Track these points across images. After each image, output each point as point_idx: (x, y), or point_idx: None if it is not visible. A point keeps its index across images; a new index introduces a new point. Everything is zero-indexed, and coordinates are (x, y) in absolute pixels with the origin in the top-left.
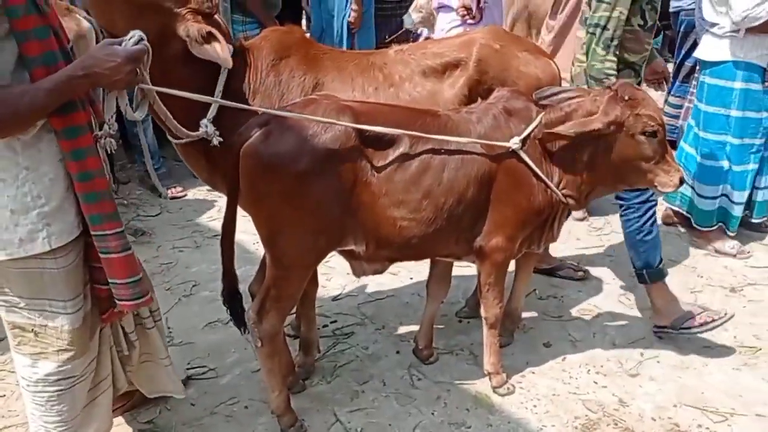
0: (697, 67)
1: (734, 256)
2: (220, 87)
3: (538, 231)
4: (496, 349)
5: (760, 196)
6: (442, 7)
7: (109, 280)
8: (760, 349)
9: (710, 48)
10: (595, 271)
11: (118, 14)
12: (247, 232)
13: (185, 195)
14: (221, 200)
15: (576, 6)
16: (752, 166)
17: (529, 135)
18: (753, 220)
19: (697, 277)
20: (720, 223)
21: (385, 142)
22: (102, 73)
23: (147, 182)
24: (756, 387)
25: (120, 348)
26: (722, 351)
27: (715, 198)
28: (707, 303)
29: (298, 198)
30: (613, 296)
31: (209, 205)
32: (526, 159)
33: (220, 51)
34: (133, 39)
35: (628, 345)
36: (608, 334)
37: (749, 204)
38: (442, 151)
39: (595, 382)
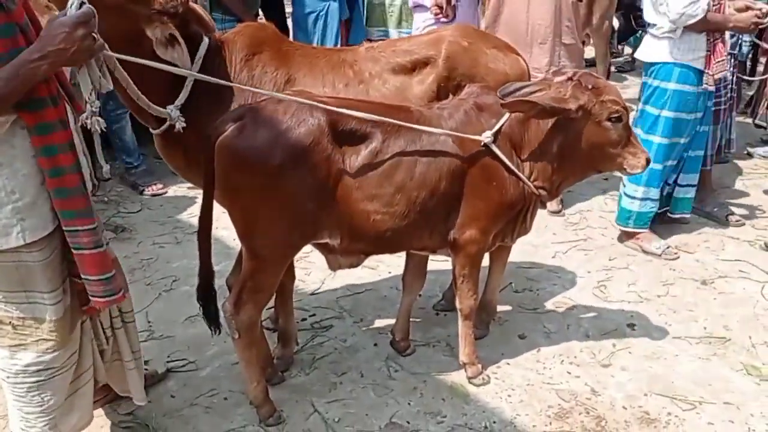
0: None
1: (659, 255)
2: (191, 79)
3: (511, 223)
4: (471, 340)
5: (681, 193)
6: (417, 6)
7: (82, 276)
8: (729, 340)
9: (649, 49)
10: (569, 265)
11: None
12: (228, 228)
13: (165, 192)
14: (201, 197)
15: (497, 3)
16: (670, 163)
17: (500, 129)
18: (673, 215)
19: (670, 270)
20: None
21: (358, 137)
22: (57, 49)
23: (127, 180)
24: (724, 376)
25: (99, 342)
26: (692, 341)
27: (636, 198)
28: (679, 295)
29: (272, 191)
30: (587, 289)
31: (189, 202)
32: (498, 152)
33: (180, 54)
34: (74, 4)
35: (600, 336)
36: (582, 326)
37: (668, 199)
38: (415, 146)
39: (569, 372)
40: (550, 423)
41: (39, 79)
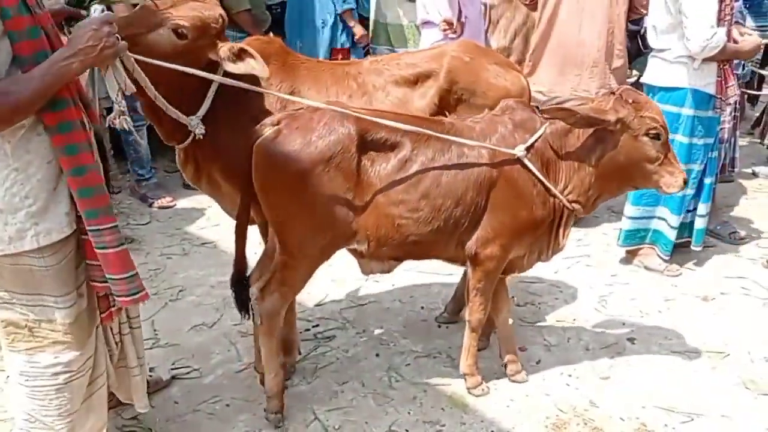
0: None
1: (662, 272)
2: (213, 89)
3: (545, 240)
4: (474, 352)
5: (701, 224)
6: (426, 23)
7: (107, 276)
8: (728, 354)
9: (660, 73)
10: (572, 280)
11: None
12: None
13: (174, 205)
14: (210, 210)
15: (548, 25)
16: (689, 191)
17: (533, 144)
18: (694, 248)
19: (671, 286)
20: (650, 244)
21: (388, 146)
22: (85, 47)
23: (137, 192)
24: (722, 389)
25: (110, 348)
26: (691, 356)
27: (641, 218)
28: (680, 311)
29: (302, 193)
30: (589, 304)
31: (198, 214)
32: (531, 166)
33: (257, 65)
34: (97, 10)
35: (600, 350)
36: (582, 340)
37: (690, 229)
38: (443, 156)
39: (568, 385)
40: None
41: (71, 77)
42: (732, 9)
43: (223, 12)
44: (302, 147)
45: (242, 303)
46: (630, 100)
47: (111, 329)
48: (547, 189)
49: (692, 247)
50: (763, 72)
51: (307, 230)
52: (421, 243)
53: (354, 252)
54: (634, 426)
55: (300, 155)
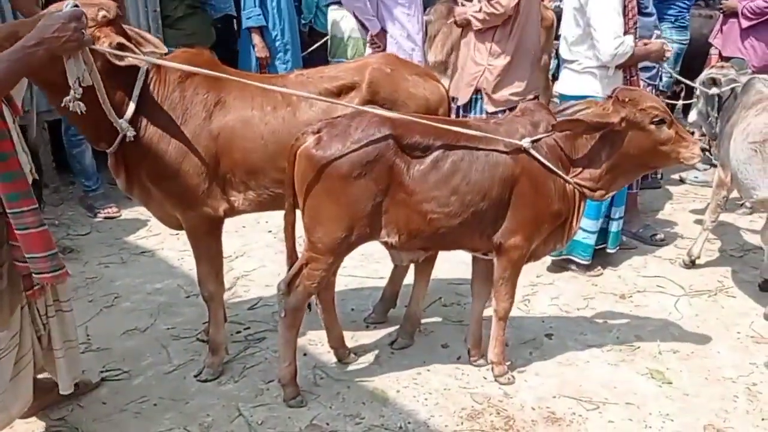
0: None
1: (584, 273)
2: (136, 92)
3: (561, 229)
4: (502, 341)
5: (614, 227)
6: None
7: (27, 256)
8: (639, 347)
9: (570, 83)
10: None
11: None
12: (173, 249)
13: (120, 215)
14: (152, 221)
15: (457, 40)
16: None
17: (540, 138)
18: (609, 251)
19: (592, 286)
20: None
21: (421, 149)
22: (51, 36)
23: (84, 202)
24: (629, 380)
25: (37, 328)
26: (604, 349)
27: None
28: (597, 308)
29: (338, 195)
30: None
31: (140, 224)
32: (537, 155)
33: (134, 60)
34: (69, 5)
35: (519, 345)
36: None
37: (605, 234)
38: (471, 155)
39: (485, 378)
40: (462, 423)
41: (36, 64)
42: (636, 22)
43: (108, 7)
44: (341, 153)
45: None
46: (626, 99)
47: (38, 310)
48: (559, 176)
49: (608, 250)
50: (690, 83)
51: (341, 230)
52: (449, 234)
53: (384, 244)
54: (544, 414)
55: (339, 161)
